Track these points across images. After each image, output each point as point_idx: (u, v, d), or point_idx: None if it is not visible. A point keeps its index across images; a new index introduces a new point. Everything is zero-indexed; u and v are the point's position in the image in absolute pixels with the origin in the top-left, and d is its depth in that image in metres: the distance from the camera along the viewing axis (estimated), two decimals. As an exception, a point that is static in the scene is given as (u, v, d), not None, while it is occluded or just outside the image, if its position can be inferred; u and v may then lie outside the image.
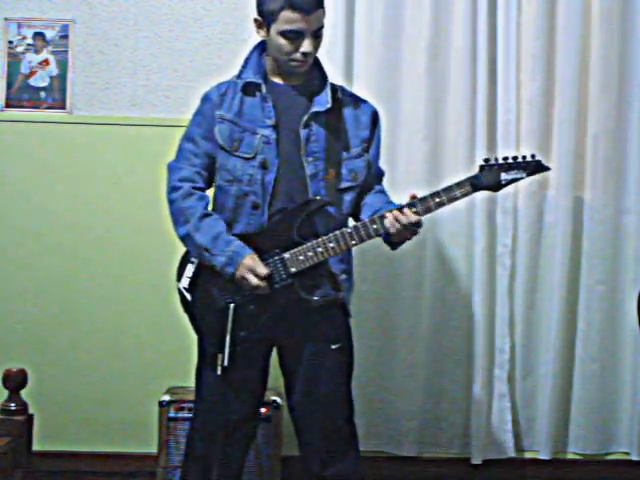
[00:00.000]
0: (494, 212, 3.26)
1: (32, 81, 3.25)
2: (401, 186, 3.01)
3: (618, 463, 3.33)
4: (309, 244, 2.26)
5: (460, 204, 3.16)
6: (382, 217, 2.23)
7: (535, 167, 2.25)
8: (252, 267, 2.23)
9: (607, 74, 3.25)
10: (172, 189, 2.35)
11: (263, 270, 2.24)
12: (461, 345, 3.28)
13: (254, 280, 2.23)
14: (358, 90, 2.80)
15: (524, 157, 2.24)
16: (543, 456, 3.28)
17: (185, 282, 2.39)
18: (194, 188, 2.33)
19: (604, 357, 3.30)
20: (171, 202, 2.35)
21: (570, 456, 3.33)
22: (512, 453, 3.29)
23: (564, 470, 3.32)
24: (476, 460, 3.25)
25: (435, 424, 3.30)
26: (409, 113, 3.23)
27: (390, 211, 2.23)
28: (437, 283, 3.27)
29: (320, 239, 2.25)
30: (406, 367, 3.25)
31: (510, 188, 3.15)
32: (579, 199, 3.28)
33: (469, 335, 3.26)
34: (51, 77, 3.25)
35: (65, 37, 3.25)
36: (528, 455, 3.33)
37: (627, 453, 3.32)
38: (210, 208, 2.37)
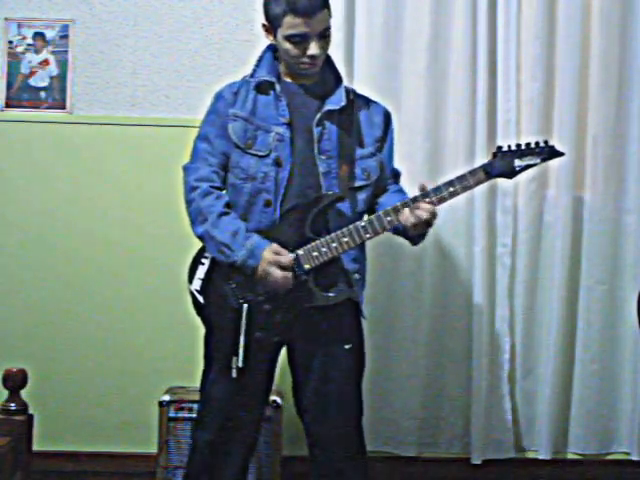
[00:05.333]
0: (494, 212, 3.26)
1: (32, 81, 3.25)
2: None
3: (618, 463, 3.33)
4: (323, 240, 2.25)
5: (460, 204, 3.20)
6: (395, 209, 2.23)
7: (549, 153, 2.23)
8: (275, 260, 2.22)
9: (607, 74, 3.25)
10: (191, 189, 2.32)
11: (286, 258, 2.23)
12: (461, 345, 3.28)
13: (278, 274, 2.22)
14: (358, 90, 2.79)
15: (537, 143, 2.23)
16: (543, 456, 3.28)
17: (197, 284, 2.37)
18: (212, 187, 2.32)
19: (604, 357, 3.30)
20: (189, 202, 2.33)
21: (570, 456, 3.33)
22: (512, 453, 3.29)
23: (564, 470, 3.32)
24: (476, 460, 3.25)
25: (435, 424, 3.30)
26: (409, 113, 3.23)
27: (403, 203, 2.23)
28: (437, 283, 3.27)
29: (334, 234, 2.25)
30: (406, 367, 3.25)
31: (510, 188, 3.22)
32: (579, 199, 3.28)
33: (469, 335, 3.26)
34: (51, 77, 3.25)
35: (65, 37, 3.25)
36: (528, 455, 3.33)
37: (627, 453, 3.32)
38: None
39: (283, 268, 2.23)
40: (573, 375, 3.30)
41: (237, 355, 2.25)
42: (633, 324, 3.10)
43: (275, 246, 2.25)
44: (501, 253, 3.26)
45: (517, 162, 2.23)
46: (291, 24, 2.23)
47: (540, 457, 3.29)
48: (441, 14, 3.23)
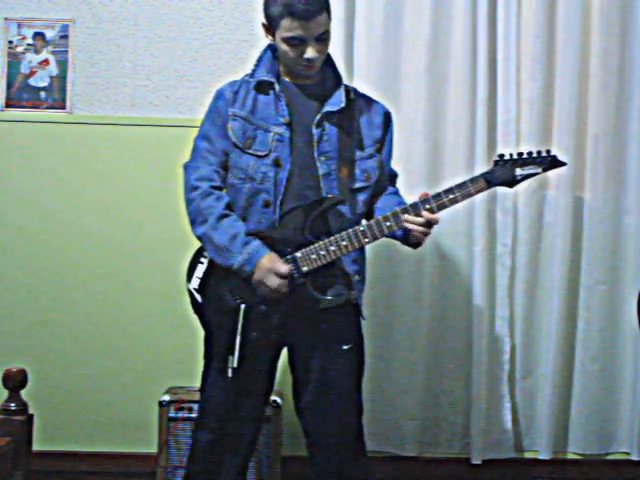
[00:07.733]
0: (494, 212, 3.26)
1: (32, 81, 3.25)
2: (400, 186, 3.01)
3: (618, 463, 3.33)
4: (321, 242, 2.25)
5: (460, 204, 3.19)
6: (395, 214, 2.23)
7: (551, 163, 2.23)
8: (272, 268, 2.22)
9: (607, 74, 3.25)
10: (191, 188, 2.32)
11: (284, 268, 2.22)
12: (461, 345, 3.28)
13: (274, 282, 2.22)
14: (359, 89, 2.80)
15: (539, 152, 2.23)
16: (543, 456, 3.28)
17: (195, 283, 2.37)
18: (213, 187, 2.31)
19: (604, 357, 3.30)
20: (189, 201, 2.32)
21: (570, 456, 3.33)
22: (512, 453, 3.29)
23: (564, 470, 3.32)
24: (476, 460, 3.25)
25: (435, 424, 3.30)
26: (409, 113, 3.23)
27: (403, 209, 2.23)
28: (437, 283, 3.27)
29: (333, 237, 2.24)
30: (406, 367, 3.25)
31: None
32: (579, 199, 3.28)
33: (469, 335, 3.26)
34: (51, 77, 3.25)
35: (65, 37, 3.25)
36: (528, 455, 3.33)
37: (627, 453, 3.32)
38: None
39: (280, 276, 2.22)
40: (573, 375, 3.30)
41: (232, 355, 2.25)
42: (633, 324, 3.10)
43: (274, 255, 2.24)
44: (501, 253, 3.26)
45: (518, 171, 2.22)
46: (288, 27, 2.22)
47: (540, 457, 3.29)
48: (441, 14, 3.23)
